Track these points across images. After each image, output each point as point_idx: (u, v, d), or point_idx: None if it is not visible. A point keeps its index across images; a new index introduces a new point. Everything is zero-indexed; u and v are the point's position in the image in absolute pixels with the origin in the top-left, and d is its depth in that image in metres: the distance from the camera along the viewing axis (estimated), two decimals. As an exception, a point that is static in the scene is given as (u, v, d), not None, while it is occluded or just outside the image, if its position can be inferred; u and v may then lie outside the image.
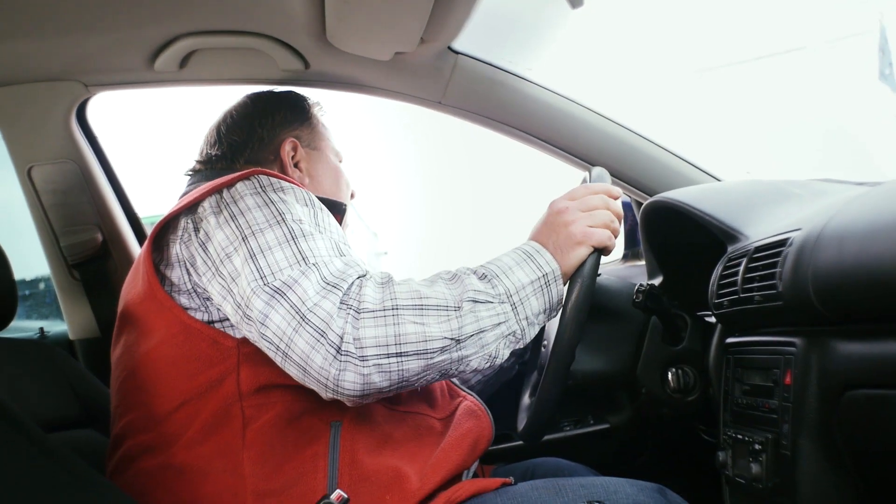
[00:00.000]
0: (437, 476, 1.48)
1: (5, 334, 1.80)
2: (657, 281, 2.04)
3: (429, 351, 1.33)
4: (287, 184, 1.53)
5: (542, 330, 2.00)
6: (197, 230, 1.47)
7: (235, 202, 1.46)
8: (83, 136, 2.31)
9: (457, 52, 2.17)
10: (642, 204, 2.03)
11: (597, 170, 1.76)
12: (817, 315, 1.25)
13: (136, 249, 2.46)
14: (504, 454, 2.25)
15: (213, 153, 1.85)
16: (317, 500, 1.37)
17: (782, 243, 1.37)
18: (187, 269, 1.47)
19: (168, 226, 1.55)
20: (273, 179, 1.52)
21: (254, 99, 1.94)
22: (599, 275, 1.72)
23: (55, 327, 2.57)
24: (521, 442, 2.31)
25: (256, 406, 1.44)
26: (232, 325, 1.46)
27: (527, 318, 1.43)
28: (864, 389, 1.18)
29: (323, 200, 1.63)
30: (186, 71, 2.14)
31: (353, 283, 1.35)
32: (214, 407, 1.43)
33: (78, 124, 2.28)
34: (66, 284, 2.40)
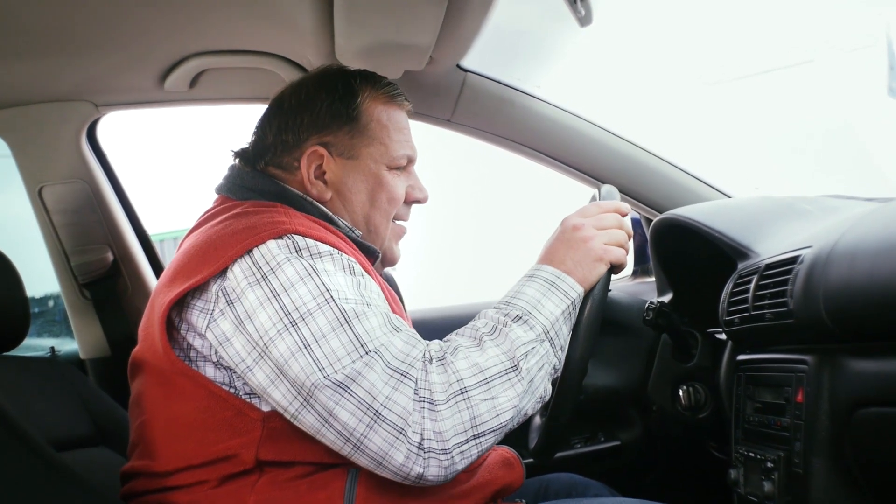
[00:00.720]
0: None
1: (15, 353, 1.81)
2: (667, 298, 2.03)
3: (502, 424, 1.32)
4: (325, 247, 1.40)
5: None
6: (230, 303, 1.35)
7: (274, 272, 1.34)
8: (93, 156, 2.32)
9: (465, 70, 2.18)
10: (652, 221, 2.03)
11: (606, 187, 1.76)
12: (829, 333, 1.25)
13: (146, 268, 2.47)
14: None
15: (244, 147, 1.70)
16: None
17: (793, 261, 1.37)
18: (219, 344, 1.36)
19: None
20: (309, 241, 1.39)
21: (295, 88, 1.69)
22: (610, 290, 1.72)
23: (65, 346, 2.58)
24: (532, 460, 2.31)
25: (272, 466, 1.39)
26: (259, 397, 1.38)
27: (561, 347, 1.43)
28: (875, 407, 1.17)
29: (354, 243, 1.55)
30: (196, 90, 2.15)
31: (420, 368, 1.30)
32: (229, 471, 1.38)
33: (88, 144, 2.29)
34: (77, 304, 2.40)
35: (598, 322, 1.47)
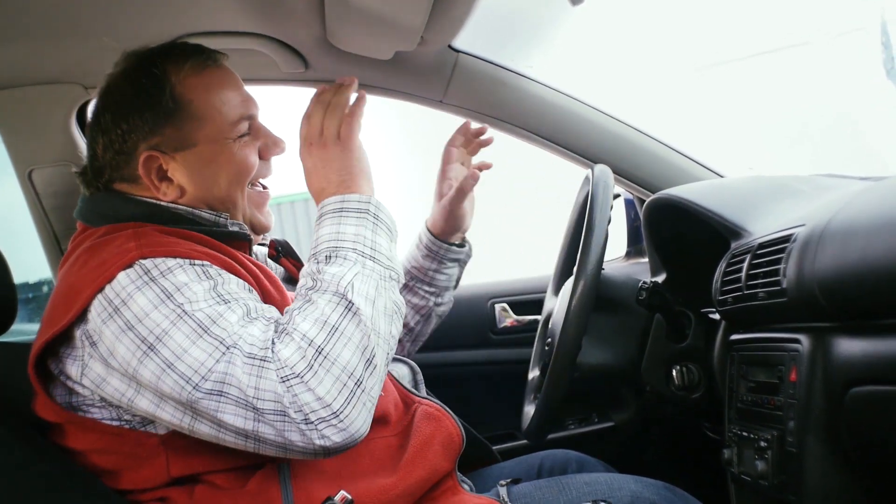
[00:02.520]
0: (410, 493, 1.44)
1: (6, 338, 1.79)
2: (661, 278, 2.03)
3: (371, 358, 1.30)
4: (173, 261, 1.36)
5: (546, 327, 2.00)
6: (94, 344, 1.33)
7: (126, 304, 1.31)
8: (84, 139, 2.31)
9: (457, 51, 2.17)
10: (645, 201, 2.03)
11: (599, 167, 1.76)
12: (822, 311, 1.25)
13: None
14: (509, 454, 2.25)
15: (83, 166, 1.63)
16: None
17: (786, 239, 1.36)
18: (97, 386, 1.34)
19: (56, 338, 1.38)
20: (157, 261, 1.35)
21: (104, 98, 1.59)
22: (604, 269, 1.72)
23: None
24: (525, 441, 2.31)
25: (194, 480, 1.40)
26: (152, 422, 1.38)
27: (388, 257, 1.41)
28: (869, 386, 1.17)
29: (223, 236, 1.53)
30: (186, 72, 2.13)
31: (273, 350, 1.28)
32: (154, 495, 1.40)
33: (78, 127, 2.28)
34: (67, 287, 2.39)
35: (592, 296, 1.48)
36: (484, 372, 2.51)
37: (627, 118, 2.31)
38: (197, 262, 1.38)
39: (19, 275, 1.78)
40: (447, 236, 2.00)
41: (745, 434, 1.48)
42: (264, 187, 1.69)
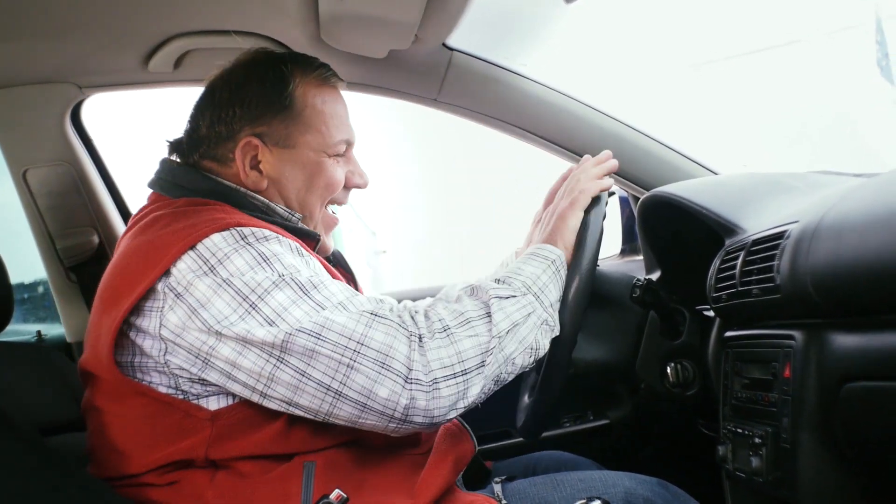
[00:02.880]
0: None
1: (2, 338, 1.80)
2: (655, 276, 2.03)
3: (485, 361, 1.33)
4: (269, 232, 1.41)
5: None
6: (179, 296, 1.33)
7: (222, 263, 1.33)
8: (78, 138, 2.31)
9: (451, 49, 2.17)
10: (639, 199, 2.03)
11: None
12: (816, 308, 1.25)
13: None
14: (504, 451, 2.25)
15: (179, 138, 1.67)
16: None
17: (780, 236, 1.36)
18: (173, 339, 1.34)
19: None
20: (254, 228, 1.39)
21: (225, 78, 1.64)
22: (599, 266, 1.72)
23: (53, 330, 2.57)
24: (520, 439, 2.31)
25: (226, 464, 1.39)
26: (206, 397, 1.38)
27: (551, 304, 1.46)
28: (862, 382, 1.17)
29: (293, 231, 1.54)
30: (180, 71, 2.13)
31: (393, 310, 1.33)
32: (182, 471, 1.39)
33: (73, 126, 2.28)
34: (62, 287, 2.39)
35: (588, 292, 1.48)
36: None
37: (622, 115, 2.31)
38: (289, 239, 1.43)
39: (15, 275, 1.79)
40: None
41: (739, 430, 1.49)
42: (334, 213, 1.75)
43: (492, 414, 2.21)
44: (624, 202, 2.54)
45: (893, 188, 1.17)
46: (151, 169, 1.65)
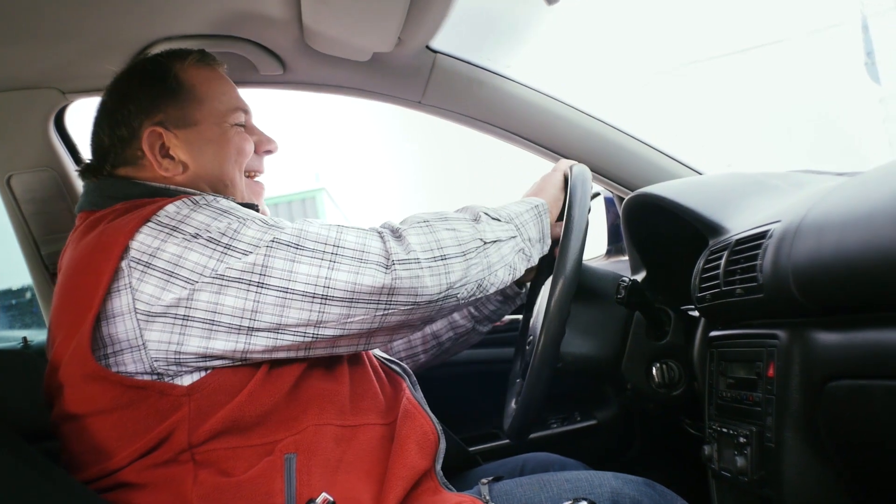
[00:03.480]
0: (392, 494, 1.43)
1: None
2: (640, 276, 2.04)
3: (466, 252, 1.43)
4: (223, 199, 1.47)
5: (527, 326, 2.00)
6: (148, 265, 1.34)
7: (185, 223, 1.37)
8: (62, 144, 2.30)
9: (435, 52, 2.17)
10: (624, 199, 2.03)
11: (577, 166, 1.76)
12: (798, 306, 1.25)
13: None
14: (492, 453, 2.25)
15: (87, 161, 1.68)
16: None
17: (762, 235, 1.37)
18: (148, 308, 1.33)
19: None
20: (205, 195, 1.46)
21: (111, 89, 1.67)
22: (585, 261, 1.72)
23: (39, 336, 2.56)
24: (507, 441, 2.31)
25: (207, 452, 1.37)
26: (181, 375, 1.37)
27: (530, 239, 1.60)
28: (845, 380, 1.18)
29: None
30: (164, 76, 2.12)
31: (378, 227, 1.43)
32: (164, 459, 1.37)
33: (56, 131, 2.27)
34: (48, 293, 2.39)
35: (574, 284, 1.50)
36: (465, 372, 2.51)
37: (606, 116, 2.31)
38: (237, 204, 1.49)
39: (2, 281, 1.78)
40: None
41: (724, 430, 1.49)
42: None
43: (478, 416, 2.21)
44: (609, 203, 2.55)
45: (874, 187, 1.17)
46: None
